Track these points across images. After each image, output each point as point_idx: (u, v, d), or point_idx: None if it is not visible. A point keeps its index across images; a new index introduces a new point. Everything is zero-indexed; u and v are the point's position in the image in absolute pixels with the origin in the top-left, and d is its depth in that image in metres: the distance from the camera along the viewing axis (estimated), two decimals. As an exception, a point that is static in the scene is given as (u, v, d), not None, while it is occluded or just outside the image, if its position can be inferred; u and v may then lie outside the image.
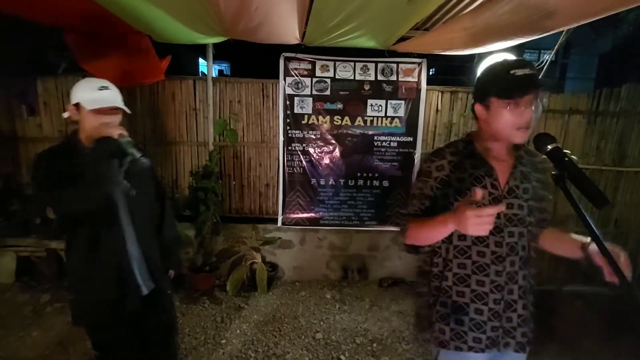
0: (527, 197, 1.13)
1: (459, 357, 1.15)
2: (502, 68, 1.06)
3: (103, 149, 1.28)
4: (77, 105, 1.32)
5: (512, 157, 1.15)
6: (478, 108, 1.12)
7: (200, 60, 9.79)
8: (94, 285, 1.40)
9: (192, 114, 3.30)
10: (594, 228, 0.84)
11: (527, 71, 1.02)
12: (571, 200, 0.90)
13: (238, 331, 2.63)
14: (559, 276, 3.53)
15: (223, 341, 2.49)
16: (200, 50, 3.20)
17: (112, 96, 1.36)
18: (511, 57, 1.59)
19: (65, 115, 1.39)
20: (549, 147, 0.94)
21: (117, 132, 1.32)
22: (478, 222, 0.88)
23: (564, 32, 2.28)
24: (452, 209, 1.00)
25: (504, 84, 1.03)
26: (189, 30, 2.41)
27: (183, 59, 8.44)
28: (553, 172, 0.97)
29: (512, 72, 1.02)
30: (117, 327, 1.45)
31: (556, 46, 2.52)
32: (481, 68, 1.19)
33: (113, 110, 1.35)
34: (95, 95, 1.32)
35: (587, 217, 0.84)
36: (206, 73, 3.24)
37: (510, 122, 1.04)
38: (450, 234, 1.10)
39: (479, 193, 0.91)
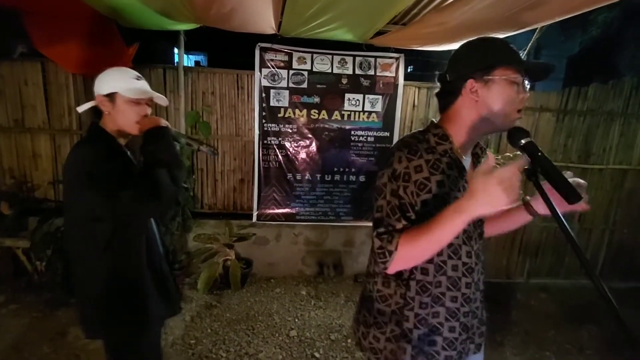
0: None
1: None
2: (502, 40, 0.95)
3: (166, 137, 1.19)
4: (111, 95, 1.17)
5: (471, 156, 1.05)
6: (473, 85, 0.91)
7: (176, 50, 9.44)
8: (144, 290, 1.25)
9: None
10: (565, 223, 0.83)
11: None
12: (543, 195, 0.88)
13: (209, 330, 2.54)
14: (525, 269, 3.66)
15: (192, 341, 2.40)
16: (174, 40, 3.03)
17: (148, 87, 1.24)
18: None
19: (83, 108, 1.23)
20: (523, 141, 0.92)
21: (163, 122, 1.22)
22: (509, 186, 0.75)
23: (537, 30, 2.32)
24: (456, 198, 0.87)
25: (513, 54, 0.91)
26: (157, 14, 2.27)
27: (156, 48, 8.08)
28: (526, 167, 0.94)
29: (511, 46, 0.93)
30: (156, 334, 1.38)
31: (529, 44, 2.56)
32: (464, 49, 0.97)
33: (149, 100, 1.25)
34: (135, 85, 1.20)
35: (558, 212, 0.83)
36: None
37: (513, 100, 0.90)
38: None
39: (491, 159, 0.80)
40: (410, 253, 0.88)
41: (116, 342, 1.26)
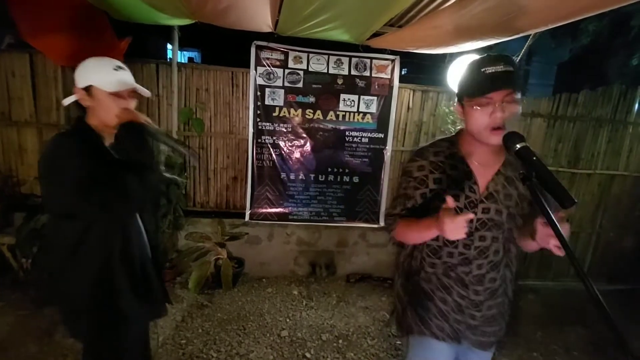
0: (508, 204, 1.11)
1: (424, 343, 1.20)
2: (475, 66, 1.04)
3: (141, 135, 1.13)
4: (88, 88, 1.12)
5: (500, 161, 1.13)
6: (457, 108, 1.12)
7: (169, 46, 9.32)
8: (116, 289, 1.18)
9: (155, 100, 3.09)
10: (559, 228, 0.84)
11: (499, 68, 0.99)
12: (537, 199, 0.90)
13: (200, 330, 2.51)
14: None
15: (183, 341, 2.37)
16: (168, 35, 2.99)
17: (130, 77, 1.17)
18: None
19: (68, 101, 1.17)
20: (518, 146, 0.94)
21: (142, 117, 1.16)
22: (453, 228, 0.94)
23: (530, 37, 2.35)
24: (434, 213, 1.02)
25: (473, 82, 1.03)
26: (151, 8, 2.23)
27: (149, 43, 7.97)
28: (521, 171, 0.97)
29: (483, 69, 1.00)
30: (135, 335, 1.32)
31: (522, 50, 2.60)
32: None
33: (131, 93, 1.18)
34: (113, 77, 1.12)
35: (553, 217, 0.84)
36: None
37: (481, 122, 1.02)
38: None
39: (450, 201, 0.97)
40: (402, 236, 1.18)
41: (90, 342, 1.22)
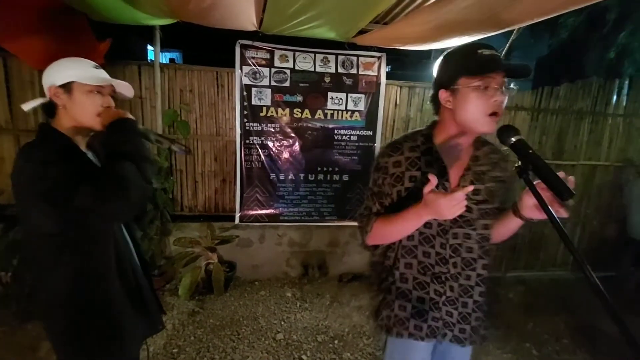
0: (477, 199, 1.08)
1: (403, 344, 1.17)
2: (468, 48, 1.00)
3: (131, 129, 1.05)
4: (67, 86, 1.02)
5: (468, 156, 1.10)
6: (444, 95, 1.02)
7: (150, 47, 9.10)
8: (116, 306, 1.10)
9: (138, 103, 3.00)
10: (557, 219, 0.83)
11: (493, 52, 0.98)
12: (535, 192, 0.89)
13: (192, 338, 2.45)
14: (503, 263, 3.77)
15: (175, 350, 2.31)
16: (148, 37, 2.90)
17: (109, 76, 1.09)
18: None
19: (29, 106, 1.06)
20: (513, 139, 0.93)
21: (128, 114, 1.07)
22: (450, 205, 0.89)
23: (514, 32, 2.38)
24: (418, 201, 0.97)
25: (472, 62, 0.96)
26: (131, 8, 2.16)
27: (130, 46, 7.76)
28: (516, 165, 0.96)
29: (479, 51, 0.97)
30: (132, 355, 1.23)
31: (507, 45, 2.63)
32: (438, 61, 1.07)
33: (112, 92, 1.10)
34: (94, 72, 1.05)
35: (550, 209, 0.84)
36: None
37: (480, 106, 0.96)
38: None
39: (433, 179, 0.92)
40: (381, 234, 1.09)
41: None
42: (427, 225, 1.07)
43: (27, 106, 1.07)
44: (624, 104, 3.65)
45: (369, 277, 1.26)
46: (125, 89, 1.15)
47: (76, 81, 1.02)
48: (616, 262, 3.40)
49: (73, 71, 1.03)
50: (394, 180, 1.08)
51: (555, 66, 7.31)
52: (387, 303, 1.17)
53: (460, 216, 1.04)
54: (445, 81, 1.02)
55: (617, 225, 3.76)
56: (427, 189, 0.92)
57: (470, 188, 0.90)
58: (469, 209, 1.06)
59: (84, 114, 1.04)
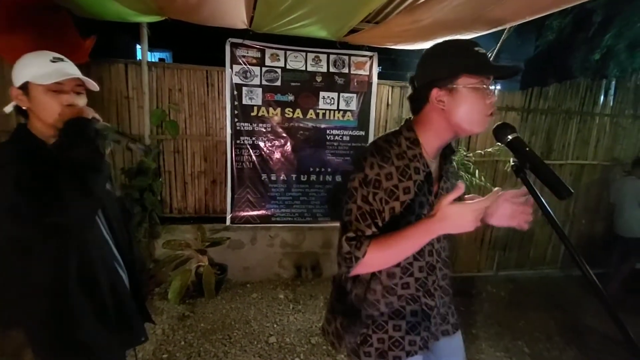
0: None
1: None
2: (465, 44, 0.93)
3: (85, 130, 0.95)
4: (24, 86, 0.95)
5: (439, 157, 1.06)
6: (438, 94, 0.92)
7: (139, 47, 8.92)
8: (75, 319, 1.03)
9: (124, 102, 2.92)
10: (554, 218, 0.82)
11: (486, 51, 0.97)
12: (532, 190, 0.88)
13: (183, 342, 2.39)
14: (495, 262, 3.80)
15: (165, 356, 2.25)
16: (137, 35, 2.83)
17: (72, 68, 1.01)
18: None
19: (8, 109, 1.01)
20: (510, 137, 0.91)
21: (90, 113, 1.00)
22: (473, 218, 0.82)
23: (505, 31, 2.39)
24: (427, 214, 0.93)
25: (474, 60, 0.90)
26: (117, 4, 2.09)
27: (116, 44, 7.59)
28: (513, 163, 0.94)
29: (476, 49, 0.92)
30: None
31: (497, 45, 2.64)
32: (427, 55, 0.98)
33: (76, 87, 1.01)
34: (49, 68, 0.96)
35: (547, 207, 0.83)
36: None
37: (481, 106, 0.91)
38: None
39: (461, 187, 0.84)
40: (377, 261, 0.92)
41: None
42: None
43: (7, 109, 1.02)
44: (611, 104, 3.72)
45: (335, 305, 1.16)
46: (89, 83, 1.05)
47: (31, 81, 0.95)
48: (604, 260, 3.46)
49: (28, 69, 0.96)
50: (387, 196, 0.94)
51: (543, 67, 7.44)
52: (379, 326, 1.04)
53: None
54: (442, 79, 0.91)
55: (605, 223, 3.82)
56: (447, 201, 0.82)
57: (460, 191, 0.83)
58: None
59: (45, 114, 0.97)
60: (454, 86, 0.90)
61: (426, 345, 1.09)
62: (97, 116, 1.02)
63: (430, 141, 0.98)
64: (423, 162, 0.98)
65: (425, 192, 0.98)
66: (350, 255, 0.91)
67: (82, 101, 1.03)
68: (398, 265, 1.00)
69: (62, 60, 1.01)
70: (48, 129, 0.99)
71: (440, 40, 0.99)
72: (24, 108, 0.98)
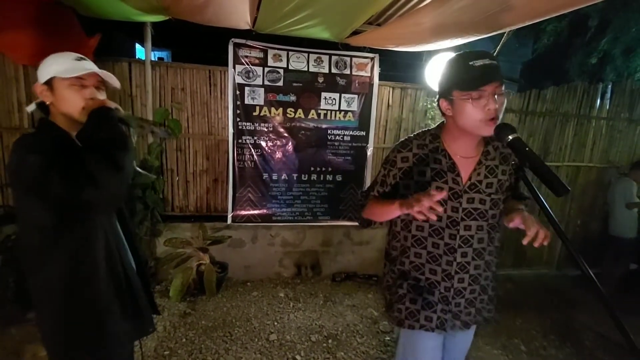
0: (490, 192, 1.15)
1: (414, 335, 1.24)
2: (461, 60, 1.06)
3: (108, 116, 1.02)
4: (49, 82, 1.02)
5: (479, 152, 1.16)
6: (443, 104, 1.12)
7: (138, 46, 8.91)
8: (102, 305, 1.07)
9: (128, 100, 2.95)
10: (553, 215, 0.86)
11: (486, 61, 1.02)
12: (530, 188, 0.92)
13: (184, 340, 2.41)
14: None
15: (166, 352, 2.26)
16: (136, 35, 2.84)
17: (94, 66, 1.08)
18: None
19: (31, 107, 1.07)
20: (510, 137, 0.96)
21: (112, 104, 1.06)
22: (419, 207, 0.93)
23: (504, 35, 2.44)
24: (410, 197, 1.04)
25: (464, 76, 1.03)
26: (122, 3, 2.12)
27: (117, 44, 7.59)
28: (514, 162, 0.99)
29: (471, 63, 1.02)
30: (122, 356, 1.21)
31: (497, 48, 2.69)
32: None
33: (98, 82, 1.08)
34: (74, 64, 1.04)
35: (547, 208, 0.86)
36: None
37: (475, 115, 1.03)
38: (409, 225, 1.22)
39: (436, 194, 0.94)
40: (369, 210, 1.24)
41: None
42: (438, 218, 1.09)
43: (30, 108, 1.09)
44: (607, 107, 3.78)
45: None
46: (110, 79, 1.12)
47: (56, 76, 1.02)
48: (599, 259, 3.51)
49: (53, 67, 1.03)
50: (401, 174, 1.18)
51: (540, 70, 7.51)
52: (399, 297, 1.24)
53: (475, 209, 1.14)
54: (442, 92, 1.12)
55: (600, 224, 3.88)
56: (425, 192, 0.96)
57: (443, 194, 0.93)
58: (483, 202, 1.15)
59: (69, 107, 1.04)
60: (452, 98, 1.08)
61: (443, 327, 1.20)
62: (119, 107, 1.09)
63: (451, 140, 1.16)
64: (444, 154, 1.15)
65: (447, 180, 1.14)
66: (359, 203, 1.30)
67: (102, 96, 1.10)
68: (409, 231, 1.22)
69: (84, 59, 1.08)
70: (70, 123, 1.05)
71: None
72: (47, 104, 1.04)
